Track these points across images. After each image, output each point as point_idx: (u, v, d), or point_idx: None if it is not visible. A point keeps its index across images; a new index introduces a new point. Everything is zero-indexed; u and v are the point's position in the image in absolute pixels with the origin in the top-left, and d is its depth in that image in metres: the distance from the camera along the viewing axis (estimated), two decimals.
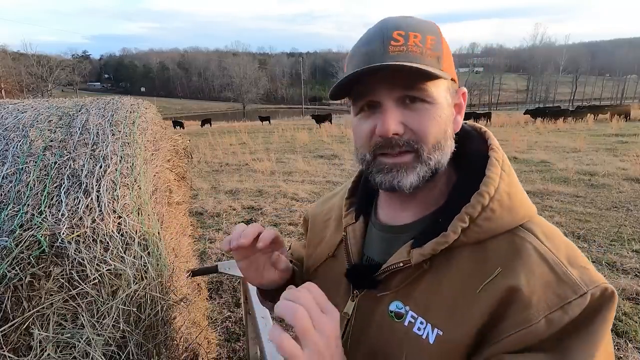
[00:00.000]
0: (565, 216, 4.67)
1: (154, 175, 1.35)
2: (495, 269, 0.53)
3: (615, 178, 6.39)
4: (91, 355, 0.86)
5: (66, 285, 0.89)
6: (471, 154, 0.63)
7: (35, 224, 0.95)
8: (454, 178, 0.63)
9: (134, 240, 1.00)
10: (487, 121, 21.05)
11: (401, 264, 0.59)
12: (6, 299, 0.85)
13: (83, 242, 0.94)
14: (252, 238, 0.66)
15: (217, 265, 1.86)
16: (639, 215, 4.63)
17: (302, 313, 0.48)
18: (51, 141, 1.22)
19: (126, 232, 1.00)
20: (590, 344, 0.49)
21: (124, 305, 0.92)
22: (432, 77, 0.55)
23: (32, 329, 0.85)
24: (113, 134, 1.28)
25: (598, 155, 8.75)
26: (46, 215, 0.97)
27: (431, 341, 0.55)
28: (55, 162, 1.13)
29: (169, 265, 1.17)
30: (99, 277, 0.91)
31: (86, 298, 0.90)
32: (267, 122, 28.28)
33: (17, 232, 0.92)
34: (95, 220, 0.98)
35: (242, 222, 0.83)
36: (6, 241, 0.91)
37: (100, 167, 1.13)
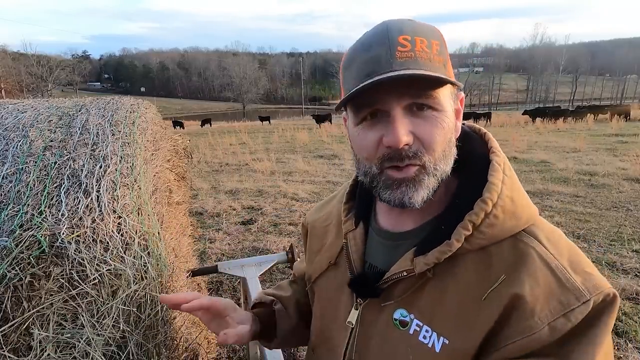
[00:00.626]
0: (565, 216, 4.67)
1: (154, 175, 1.35)
2: (499, 275, 0.53)
3: (615, 178, 6.38)
4: (91, 355, 0.86)
5: (66, 285, 0.89)
6: (471, 157, 0.61)
7: (35, 224, 0.95)
8: (454, 183, 0.61)
9: (134, 240, 1.00)
10: (487, 121, 21.04)
11: (405, 273, 0.58)
12: (6, 299, 0.85)
13: (83, 242, 0.94)
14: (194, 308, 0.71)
15: (217, 265, 1.86)
16: (639, 215, 4.63)
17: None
18: (51, 141, 1.22)
19: (126, 232, 1.00)
20: (590, 348, 0.49)
21: (124, 305, 0.92)
22: (444, 84, 0.53)
23: (32, 329, 0.85)
24: (113, 134, 1.28)
25: (598, 155, 8.75)
26: (46, 215, 0.97)
27: (437, 350, 0.54)
28: (55, 162, 1.13)
29: (169, 265, 1.17)
30: (99, 277, 0.91)
31: (86, 298, 0.90)
32: (267, 122, 28.28)
33: (17, 232, 0.92)
34: (95, 220, 0.98)
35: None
36: (6, 241, 0.91)
37: (100, 167, 1.13)
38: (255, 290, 1.66)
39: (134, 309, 0.94)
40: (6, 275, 0.86)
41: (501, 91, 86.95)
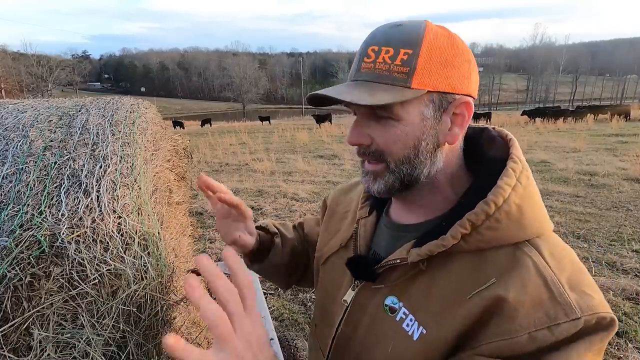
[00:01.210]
0: (565, 216, 4.67)
1: (154, 175, 1.35)
2: (490, 278, 0.53)
3: (615, 178, 6.39)
4: (91, 355, 0.86)
5: (66, 286, 0.89)
6: (489, 161, 0.62)
7: (35, 224, 0.95)
8: (467, 184, 0.63)
9: (134, 240, 1.00)
10: (487, 121, 21.04)
11: (398, 261, 0.60)
12: (6, 299, 0.85)
13: (83, 242, 0.94)
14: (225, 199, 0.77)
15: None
16: (639, 215, 4.63)
17: (222, 319, 0.43)
18: (51, 141, 1.22)
19: (126, 232, 1.00)
20: None
21: (124, 306, 0.92)
22: (383, 106, 0.55)
23: (32, 329, 0.85)
24: (113, 134, 1.28)
25: (598, 155, 8.75)
26: (46, 215, 0.97)
27: (415, 338, 0.57)
28: (55, 162, 1.13)
29: (169, 265, 1.17)
30: (99, 277, 0.91)
31: (86, 298, 0.90)
32: (267, 122, 28.28)
33: (17, 232, 0.92)
34: (95, 220, 0.98)
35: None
36: (6, 241, 0.91)
37: (100, 167, 1.13)
38: (255, 290, 1.66)
39: (134, 309, 0.94)
40: (6, 275, 0.86)
41: (501, 91, 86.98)
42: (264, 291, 3.04)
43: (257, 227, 0.93)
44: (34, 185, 1.05)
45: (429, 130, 0.58)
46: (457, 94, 0.58)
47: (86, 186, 1.06)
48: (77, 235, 0.94)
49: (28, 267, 0.88)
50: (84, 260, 0.91)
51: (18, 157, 1.14)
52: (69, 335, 0.87)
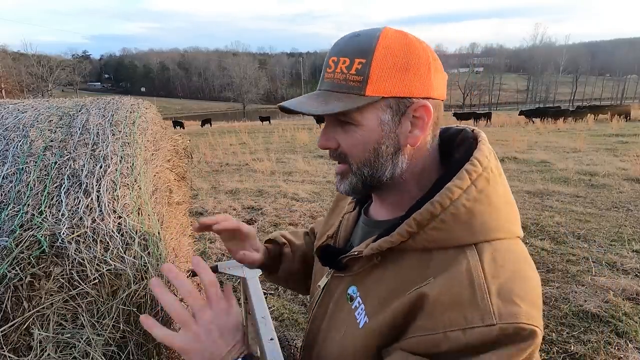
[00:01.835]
0: (565, 216, 4.67)
1: (154, 175, 1.35)
2: (430, 277, 0.55)
3: (615, 178, 6.38)
4: (91, 355, 0.86)
5: (66, 285, 0.89)
6: (455, 162, 0.62)
7: (35, 224, 0.95)
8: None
9: (134, 240, 1.00)
10: (487, 121, 21.05)
11: (356, 253, 0.64)
12: (6, 299, 0.85)
13: (83, 242, 0.94)
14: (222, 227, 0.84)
15: (217, 265, 1.85)
16: (639, 215, 4.63)
17: (180, 310, 0.60)
18: (51, 141, 1.22)
19: (126, 232, 1.00)
20: None
21: (124, 305, 0.92)
22: (338, 113, 0.59)
23: (32, 329, 0.85)
24: (113, 134, 1.28)
25: (598, 155, 8.74)
26: (46, 215, 0.97)
27: (360, 326, 0.61)
28: (56, 162, 1.13)
29: None
30: (99, 277, 0.91)
31: (86, 298, 0.90)
32: (267, 122, 28.28)
33: (17, 232, 0.92)
34: (95, 220, 0.98)
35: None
36: (6, 241, 0.91)
37: (101, 167, 1.13)
38: (256, 290, 1.66)
39: (134, 309, 0.94)
40: (6, 275, 0.86)
41: (501, 91, 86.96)
42: (264, 291, 3.04)
43: (266, 241, 1.00)
44: (34, 185, 1.05)
45: (389, 134, 0.61)
46: (416, 98, 0.59)
47: (86, 186, 1.06)
48: (77, 235, 0.94)
49: (28, 267, 0.88)
50: (84, 260, 0.91)
51: (18, 157, 1.14)
52: (69, 335, 0.87)
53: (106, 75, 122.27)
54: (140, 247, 1.00)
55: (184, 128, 24.99)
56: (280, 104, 0.65)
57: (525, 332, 0.49)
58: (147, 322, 0.59)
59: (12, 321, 0.84)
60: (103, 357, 0.87)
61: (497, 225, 0.56)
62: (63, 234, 0.93)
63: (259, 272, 1.84)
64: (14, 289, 0.86)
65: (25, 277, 0.87)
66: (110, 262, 0.93)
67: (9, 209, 0.99)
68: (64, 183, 1.06)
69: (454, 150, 0.68)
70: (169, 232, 1.52)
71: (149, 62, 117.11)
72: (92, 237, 0.95)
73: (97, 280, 0.90)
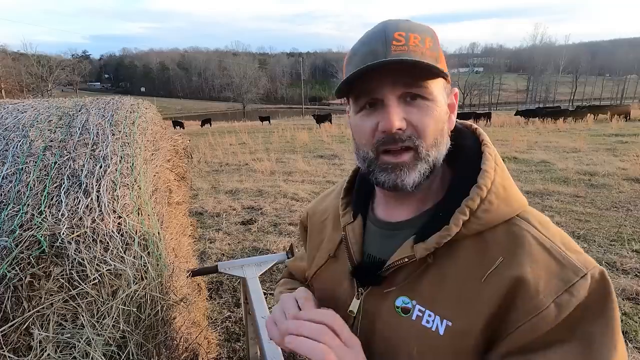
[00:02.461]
0: (565, 216, 4.67)
1: (154, 175, 1.35)
2: (497, 258, 0.55)
3: (615, 178, 6.38)
4: (91, 355, 0.86)
5: (66, 286, 0.89)
6: (465, 149, 0.65)
7: (35, 224, 0.95)
8: (449, 173, 0.66)
9: (134, 240, 1.00)
10: (487, 121, 21.01)
11: (406, 259, 0.59)
12: (6, 299, 0.85)
13: (83, 242, 0.94)
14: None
15: (217, 265, 1.86)
16: (639, 215, 4.63)
17: (330, 356, 0.52)
18: (51, 141, 1.22)
19: (126, 232, 1.00)
20: (610, 329, 0.50)
21: (124, 305, 0.92)
22: (434, 72, 0.57)
23: (32, 329, 0.85)
24: (113, 134, 1.28)
25: (598, 155, 8.74)
26: (46, 215, 0.97)
27: (441, 332, 0.56)
28: (55, 162, 1.13)
29: (169, 265, 1.17)
30: (99, 277, 0.91)
31: (86, 298, 0.90)
32: (267, 122, 28.27)
33: (17, 232, 0.92)
34: (95, 220, 0.98)
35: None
36: (6, 241, 0.91)
37: (100, 167, 1.13)
38: (256, 290, 1.66)
39: (134, 309, 0.94)
40: (6, 275, 0.86)
41: (501, 91, 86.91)
42: (264, 291, 3.04)
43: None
44: (34, 185, 1.05)
45: (446, 115, 0.62)
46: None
47: (86, 186, 1.06)
48: (77, 235, 0.94)
49: (28, 267, 0.88)
50: (84, 260, 0.91)
51: (18, 157, 1.14)
52: (69, 335, 0.87)
53: (106, 75, 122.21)
54: (140, 247, 1.00)
55: (183, 128, 24.99)
56: (359, 70, 0.56)
57: (605, 272, 0.53)
58: None
59: (12, 321, 0.84)
60: (103, 357, 0.87)
61: (520, 195, 0.61)
62: (63, 234, 0.93)
63: (259, 272, 1.85)
64: (13, 289, 0.86)
65: (25, 277, 0.87)
66: (110, 262, 0.93)
67: (8, 209, 0.99)
68: (63, 183, 1.06)
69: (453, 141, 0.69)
70: (169, 232, 1.52)
71: (149, 62, 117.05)
72: (92, 237, 0.95)
73: (97, 280, 0.90)
